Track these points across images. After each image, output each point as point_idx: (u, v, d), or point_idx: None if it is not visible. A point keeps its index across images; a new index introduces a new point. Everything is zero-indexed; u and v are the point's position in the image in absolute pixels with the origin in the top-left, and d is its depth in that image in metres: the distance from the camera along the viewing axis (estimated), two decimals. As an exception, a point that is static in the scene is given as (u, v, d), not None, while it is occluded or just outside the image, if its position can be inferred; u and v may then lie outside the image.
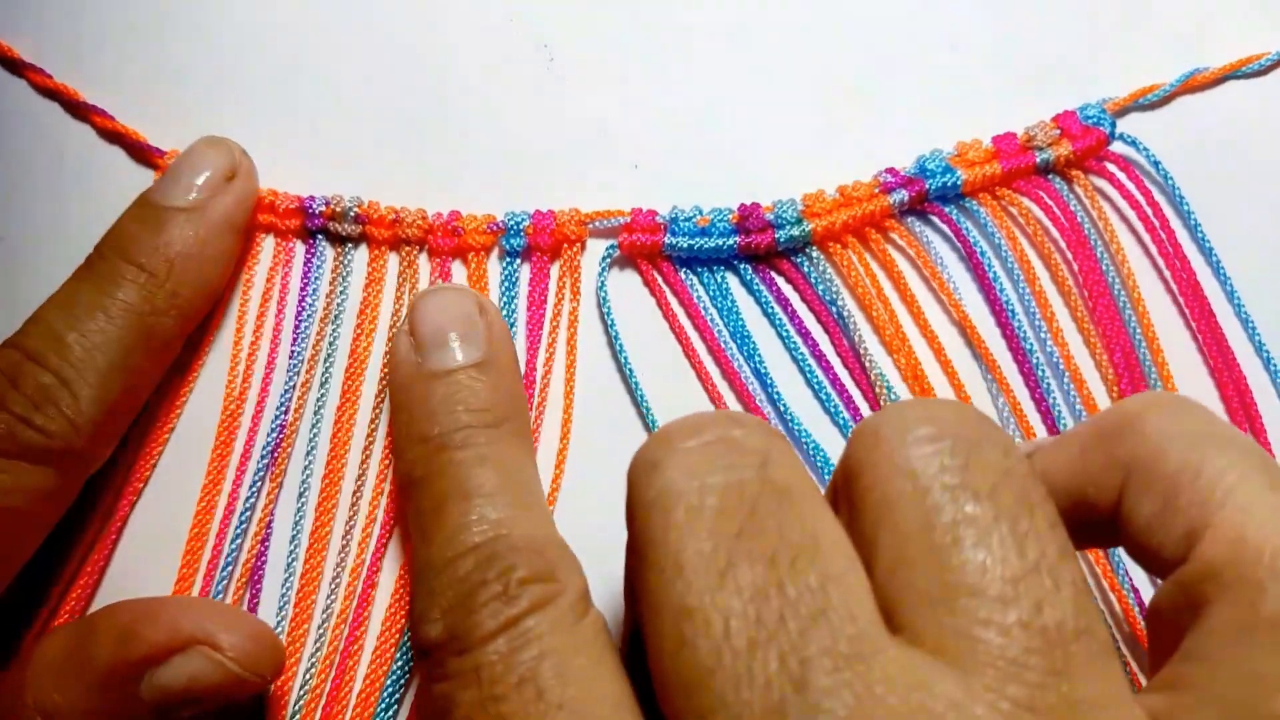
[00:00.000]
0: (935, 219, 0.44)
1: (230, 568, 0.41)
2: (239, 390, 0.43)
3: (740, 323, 0.44)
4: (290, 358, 0.43)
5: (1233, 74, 0.44)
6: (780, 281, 0.44)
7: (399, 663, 0.41)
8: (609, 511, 0.42)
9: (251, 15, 0.47)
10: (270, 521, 0.42)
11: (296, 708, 0.40)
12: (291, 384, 0.43)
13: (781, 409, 0.43)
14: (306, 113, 0.46)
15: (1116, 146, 0.44)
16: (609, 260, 0.44)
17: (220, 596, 0.41)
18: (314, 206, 0.44)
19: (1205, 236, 0.43)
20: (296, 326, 0.44)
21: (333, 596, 0.41)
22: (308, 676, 0.41)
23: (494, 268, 0.44)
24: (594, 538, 0.42)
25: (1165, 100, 0.44)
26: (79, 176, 0.45)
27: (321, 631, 0.41)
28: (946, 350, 0.43)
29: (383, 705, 0.40)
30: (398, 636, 0.41)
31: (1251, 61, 0.44)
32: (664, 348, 0.44)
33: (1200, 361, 0.43)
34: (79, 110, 0.45)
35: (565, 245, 0.44)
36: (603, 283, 0.44)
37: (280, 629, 0.41)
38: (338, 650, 0.41)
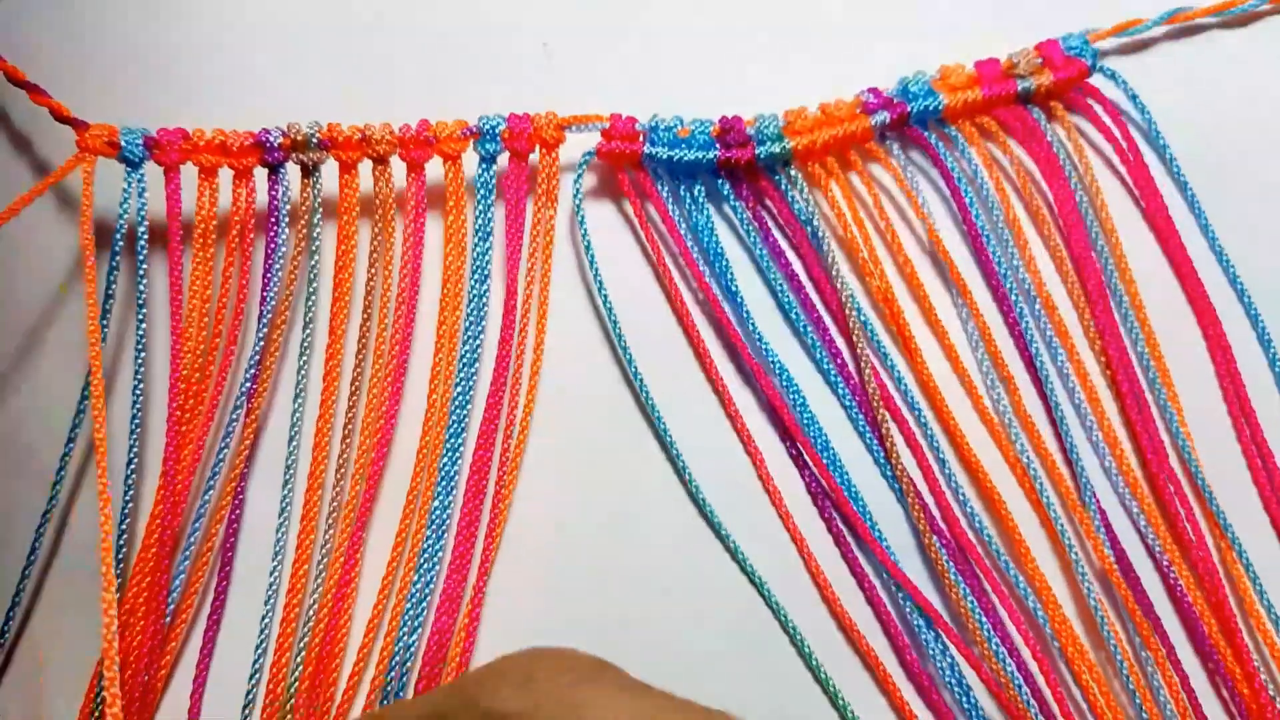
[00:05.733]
0: (915, 143, 0.44)
1: (203, 514, 0.40)
2: (209, 341, 0.41)
3: (715, 238, 0.43)
4: (261, 304, 0.41)
5: (1215, 16, 0.44)
6: (758, 198, 0.44)
7: (410, 600, 0.40)
8: (580, 426, 0.42)
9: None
10: (246, 468, 0.41)
11: (300, 645, 0.39)
12: (264, 326, 0.41)
13: (750, 327, 0.42)
14: (254, 47, 0.45)
15: (1096, 80, 0.44)
16: (585, 166, 0.43)
17: (193, 539, 0.40)
18: (271, 139, 0.42)
19: (1180, 170, 0.43)
20: (267, 269, 0.42)
21: (330, 532, 0.40)
22: (309, 613, 0.39)
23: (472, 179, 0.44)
24: (565, 452, 0.42)
25: (1147, 43, 0.45)
26: (22, 152, 0.44)
27: (320, 569, 0.40)
28: (920, 274, 0.43)
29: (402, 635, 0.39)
30: (401, 573, 0.40)
31: (1234, 5, 0.45)
32: (638, 259, 0.43)
33: (1173, 288, 0.43)
34: (13, 83, 0.42)
35: (543, 150, 0.43)
36: (578, 189, 0.43)
37: (279, 571, 0.40)
38: (334, 586, 0.40)
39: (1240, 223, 0.43)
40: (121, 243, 0.41)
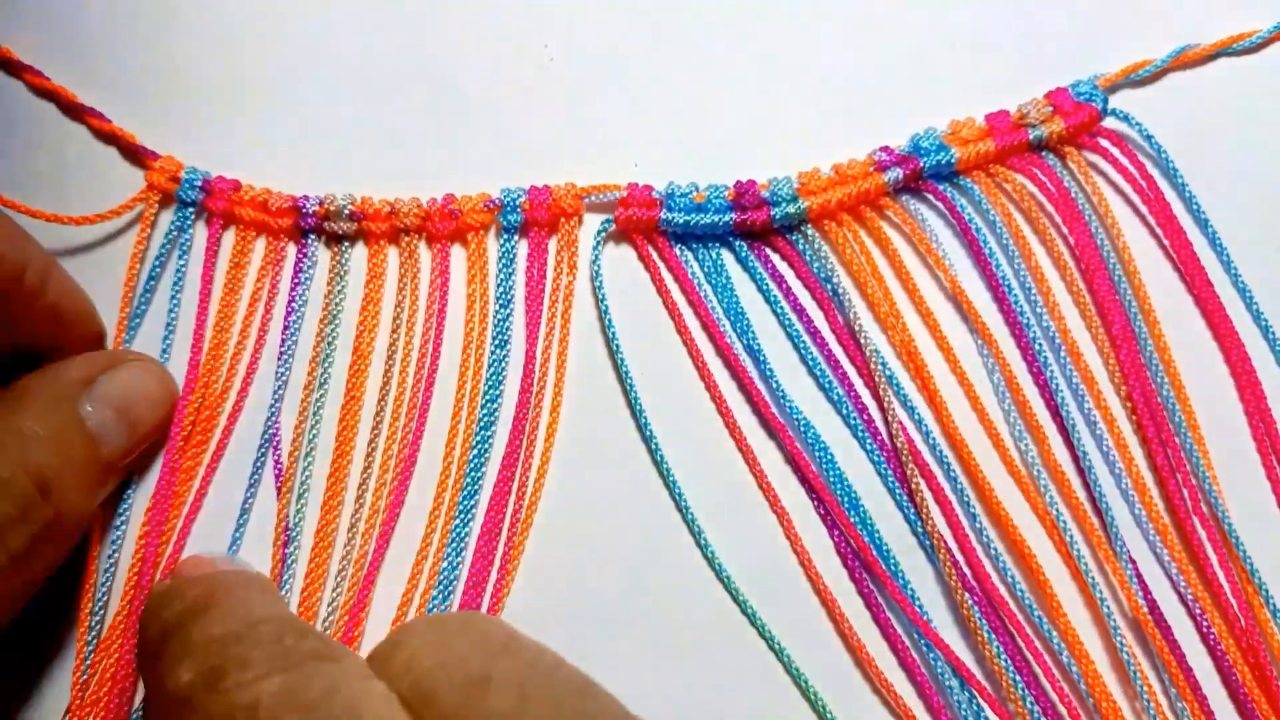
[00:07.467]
0: (930, 196, 0.44)
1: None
2: (220, 390, 0.42)
3: (735, 299, 0.44)
4: (279, 360, 0.43)
5: (1223, 51, 0.44)
6: (775, 258, 0.44)
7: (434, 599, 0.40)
8: (596, 491, 0.42)
9: (246, 16, 0.47)
10: (244, 519, 0.41)
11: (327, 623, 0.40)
12: (282, 383, 0.43)
13: (774, 386, 0.43)
14: (300, 113, 0.46)
15: (1109, 122, 0.44)
16: (604, 235, 0.44)
17: None
18: (307, 206, 0.44)
19: (1201, 209, 0.43)
20: (285, 327, 0.43)
21: (337, 590, 0.41)
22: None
23: (493, 248, 0.44)
24: (580, 515, 0.42)
25: (1156, 77, 0.45)
26: (78, 176, 0.45)
27: (326, 627, 0.40)
28: (942, 327, 0.43)
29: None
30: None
31: (1242, 39, 0.44)
32: (659, 324, 0.44)
33: (1198, 331, 0.43)
34: (74, 111, 0.45)
35: (562, 220, 0.44)
36: (596, 257, 0.44)
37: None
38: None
39: (1261, 257, 0.43)
40: (159, 275, 0.43)
